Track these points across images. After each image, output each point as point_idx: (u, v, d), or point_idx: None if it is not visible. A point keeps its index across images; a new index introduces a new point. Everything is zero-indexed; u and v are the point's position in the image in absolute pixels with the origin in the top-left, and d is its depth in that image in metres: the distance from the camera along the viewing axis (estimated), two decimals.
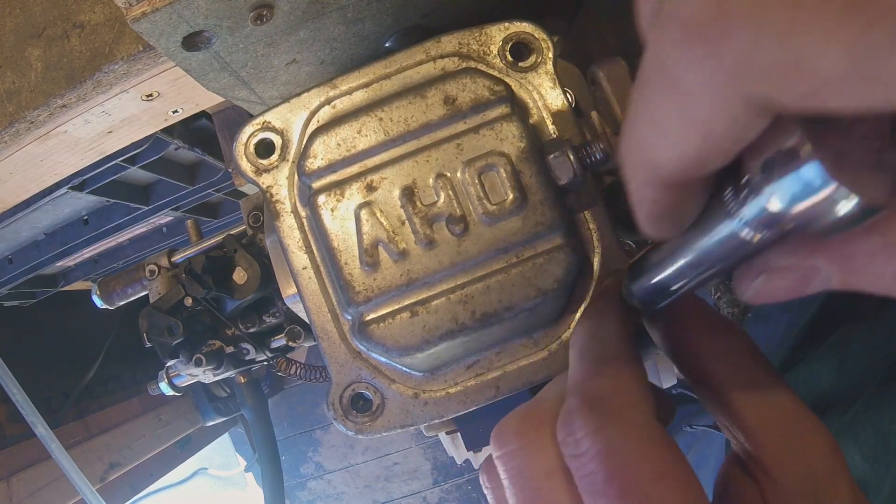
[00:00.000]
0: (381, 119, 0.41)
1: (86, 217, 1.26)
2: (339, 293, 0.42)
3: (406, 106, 0.41)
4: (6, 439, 1.31)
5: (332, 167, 0.41)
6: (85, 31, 0.55)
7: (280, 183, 0.44)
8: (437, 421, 0.43)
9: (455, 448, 0.77)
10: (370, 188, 0.41)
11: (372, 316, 0.41)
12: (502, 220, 0.40)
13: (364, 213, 0.41)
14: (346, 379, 0.43)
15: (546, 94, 0.43)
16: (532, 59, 0.44)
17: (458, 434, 0.55)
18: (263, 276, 0.61)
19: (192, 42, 0.40)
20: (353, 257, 0.41)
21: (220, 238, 0.67)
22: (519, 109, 0.42)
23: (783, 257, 0.24)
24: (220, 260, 0.63)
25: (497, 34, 0.44)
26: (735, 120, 0.19)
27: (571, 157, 0.40)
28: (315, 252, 0.44)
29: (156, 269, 0.68)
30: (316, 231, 0.42)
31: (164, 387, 0.70)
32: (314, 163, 0.41)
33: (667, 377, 0.79)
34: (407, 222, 0.40)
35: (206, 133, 1.04)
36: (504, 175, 0.40)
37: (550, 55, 0.44)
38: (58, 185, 1.01)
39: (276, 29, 0.42)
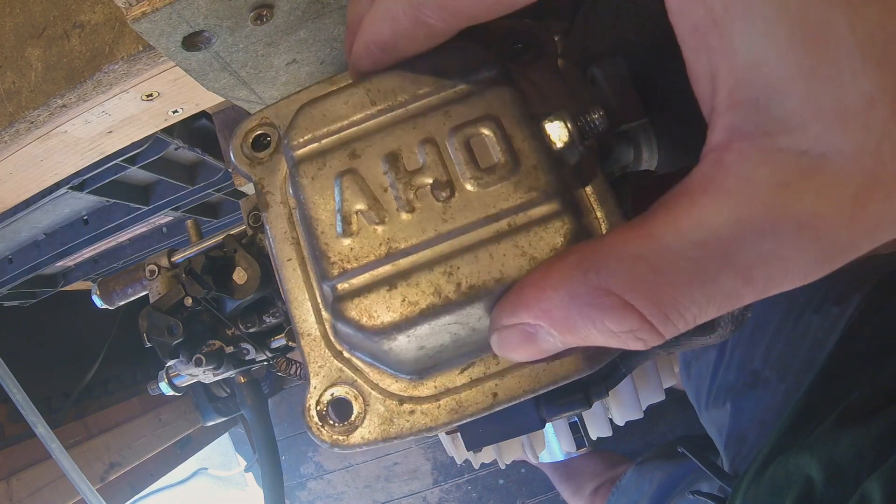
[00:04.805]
0: (368, 90, 0.39)
1: (86, 217, 1.25)
2: (315, 267, 0.39)
3: (394, 77, 0.39)
4: (6, 439, 1.31)
5: (316, 138, 0.39)
6: (85, 31, 0.55)
7: (273, 174, 0.43)
8: (426, 434, 0.39)
9: (455, 448, 0.77)
10: (353, 156, 0.38)
11: (345, 288, 0.36)
12: (492, 185, 0.36)
13: (345, 181, 0.38)
14: (324, 381, 0.40)
15: (545, 84, 0.42)
16: (532, 56, 0.43)
17: (458, 434, 0.54)
18: (263, 276, 0.61)
19: (192, 42, 0.40)
20: (329, 226, 0.37)
21: (220, 238, 0.67)
22: (508, 78, 0.40)
23: (501, 318, 0.33)
24: (220, 260, 0.63)
25: (497, 32, 0.44)
26: (413, 27, 0.33)
27: (568, 123, 0.37)
28: (301, 244, 0.42)
29: (156, 269, 0.68)
30: (298, 209, 0.39)
31: (164, 387, 0.70)
32: (298, 133, 0.40)
33: (666, 377, 0.79)
34: (390, 188, 0.37)
35: (206, 133, 1.03)
36: (494, 139, 0.37)
37: (551, 52, 0.43)
38: (58, 185, 1.01)
39: (276, 29, 0.42)
